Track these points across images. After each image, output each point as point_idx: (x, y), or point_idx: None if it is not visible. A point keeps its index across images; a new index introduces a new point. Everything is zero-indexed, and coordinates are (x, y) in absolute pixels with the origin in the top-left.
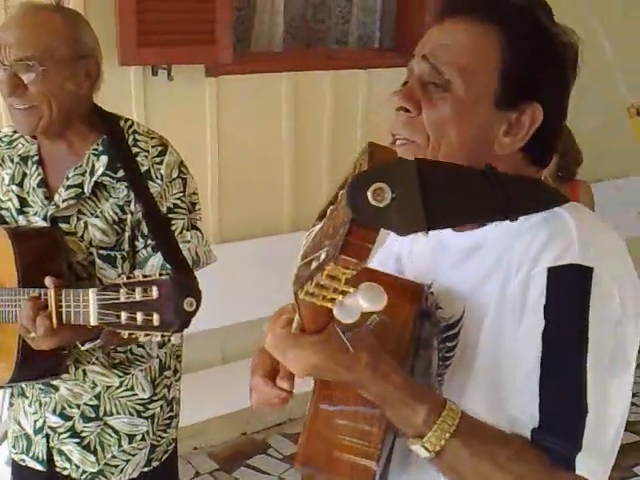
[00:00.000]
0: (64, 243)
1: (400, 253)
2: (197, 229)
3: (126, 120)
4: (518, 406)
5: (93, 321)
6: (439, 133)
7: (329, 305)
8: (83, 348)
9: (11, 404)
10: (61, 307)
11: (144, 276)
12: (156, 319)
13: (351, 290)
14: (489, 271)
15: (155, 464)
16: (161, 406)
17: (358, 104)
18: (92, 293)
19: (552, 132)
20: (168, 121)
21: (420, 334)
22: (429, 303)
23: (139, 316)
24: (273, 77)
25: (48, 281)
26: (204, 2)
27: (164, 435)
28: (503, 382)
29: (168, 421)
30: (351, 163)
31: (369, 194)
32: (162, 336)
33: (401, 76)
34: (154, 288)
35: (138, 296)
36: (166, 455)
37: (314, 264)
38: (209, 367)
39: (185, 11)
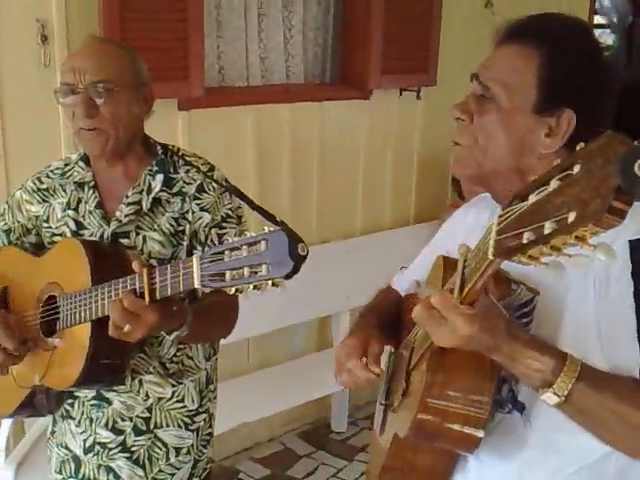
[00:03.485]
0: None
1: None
2: None
3: (172, 146)
4: (620, 355)
5: (197, 284)
6: (487, 137)
7: (543, 267)
8: (170, 337)
9: (53, 432)
10: (154, 284)
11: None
12: (264, 269)
13: (591, 248)
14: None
15: None
16: (204, 419)
17: (314, 132)
18: (196, 257)
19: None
20: None
21: None
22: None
23: (245, 271)
24: (238, 110)
25: (136, 265)
26: (178, 41)
27: (204, 451)
28: (589, 345)
29: (208, 437)
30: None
31: (636, 167)
32: (272, 284)
33: (347, 107)
34: (262, 242)
35: (244, 253)
36: (205, 473)
37: (528, 236)
38: None
39: (161, 49)
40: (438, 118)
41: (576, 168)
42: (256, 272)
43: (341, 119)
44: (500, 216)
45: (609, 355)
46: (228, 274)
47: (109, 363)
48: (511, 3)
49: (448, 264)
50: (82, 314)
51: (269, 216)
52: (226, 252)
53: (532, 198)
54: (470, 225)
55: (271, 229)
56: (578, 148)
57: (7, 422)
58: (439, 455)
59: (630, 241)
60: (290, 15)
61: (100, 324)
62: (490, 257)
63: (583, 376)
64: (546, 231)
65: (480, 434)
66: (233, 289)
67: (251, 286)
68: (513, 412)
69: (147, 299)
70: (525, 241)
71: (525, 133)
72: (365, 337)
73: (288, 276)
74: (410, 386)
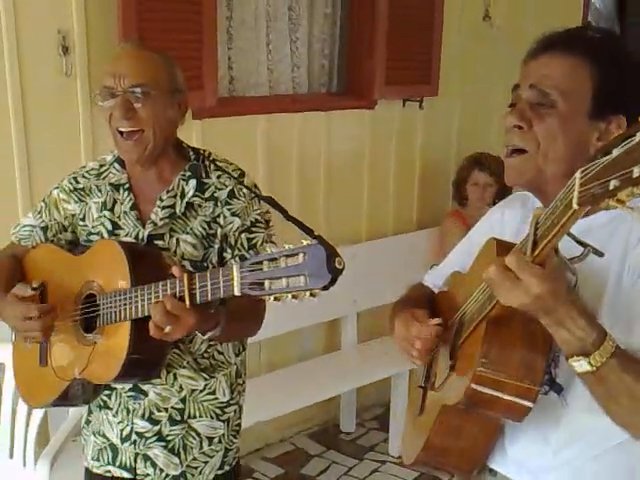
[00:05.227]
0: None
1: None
2: (274, 243)
3: (204, 150)
4: (630, 340)
5: (237, 291)
6: (549, 141)
7: (629, 211)
8: (204, 337)
9: (88, 421)
10: (194, 289)
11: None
12: (302, 280)
13: None
14: (602, 247)
15: (227, 468)
16: (235, 410)
17: (321, 141)
18: (235, 266)
19: None
20: None
21: None
22: None
23: (284, 281)
24: (249, 119)
25: (177, 270)
26: (193, 51)
27: (235, 440)
28: (624, 326)
29: (237, 428)
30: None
31: None
32: (310, 294)
33: (353, 117)
34: (300, 255)
35: (282, 264)
36: (235, 461)
37: (614, 183)
38: None
39: (178, 59)
40: (439, 127)
41: None
42: (294, 283)
43: (347, 128)
44: (582, 170)
45: (629, 338)
46: (267, 283)
47: (147, 359)
48: (509, 16)
49: (501, 246)
50: (123, 313)
51: (304, 228)
52: (265, 262)
53: (616, 151)
54: (507, 222)
55: (309, 242)
56: None
57: (35, 422)
58: (484, 427)
59: None
60: (295, 27)
61: (139, 323)
62: (575, 206)
63: (616, 354)
64: (635, 174)
65: (530, 404)
66: (272, 297)
67: (289, 295)
68: (550, 393)
69: (187, 302)
70: (611, 187)
71: (581, 137)
72: (409, 311)
73: (325, 287)
74: (459, 361)
